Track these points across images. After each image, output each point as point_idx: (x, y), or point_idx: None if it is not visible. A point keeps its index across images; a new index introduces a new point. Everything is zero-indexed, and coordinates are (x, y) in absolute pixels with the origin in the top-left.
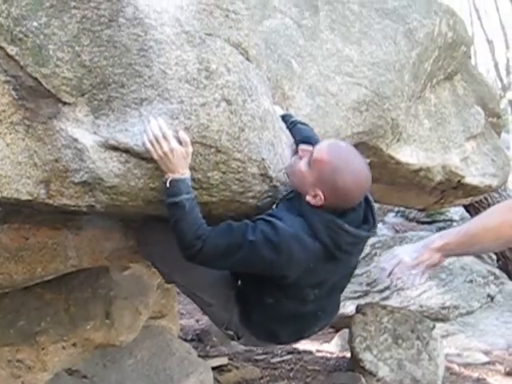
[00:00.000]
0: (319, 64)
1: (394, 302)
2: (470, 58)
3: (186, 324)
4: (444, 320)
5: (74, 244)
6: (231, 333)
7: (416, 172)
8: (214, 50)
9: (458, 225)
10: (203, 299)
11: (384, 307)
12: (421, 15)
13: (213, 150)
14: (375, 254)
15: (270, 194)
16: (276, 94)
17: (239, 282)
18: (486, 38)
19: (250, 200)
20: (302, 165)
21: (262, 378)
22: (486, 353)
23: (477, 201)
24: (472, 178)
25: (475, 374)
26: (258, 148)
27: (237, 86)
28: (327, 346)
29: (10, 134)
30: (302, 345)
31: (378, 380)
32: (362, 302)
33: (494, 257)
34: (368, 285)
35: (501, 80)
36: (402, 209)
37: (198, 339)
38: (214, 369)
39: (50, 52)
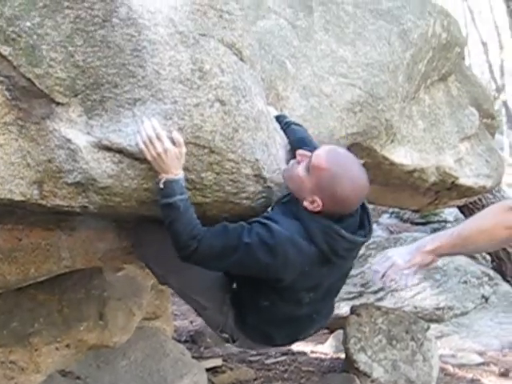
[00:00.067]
0: (313, 65)
1: (388, 303)
2: (464, 59)
3: (180, 325)
4: (438, 321)
5: (67, 245)
6: (226, 336)
7: (410, 173)
8: (208, 51)
9: (453, 226)
10: (198, 302)
11: (378, 308)
12: (415, 16)
13: (206, 150)
14: (369, 255)
15: (263, 194)
16: (270, 95)
17: (234, 285)
18: (480, 39)
19: (244, 201)
20: (300, 170)
21: (256, 379)
22: (481, 354)
23: (471, 202)
24: (466, 179)
25: (469, 375)
26: (251, 149)
27: (230, 87)
28: (321, 347)
29: (3, 134)
30: (297, 346)
31: (372, 381)
32: (356, 302)
33: (489, 258)
34: (362, 286)
35: (495, 81)
36: (396, 210)
37: (192, 340)
38: (208, 370)
39: (44, 52)
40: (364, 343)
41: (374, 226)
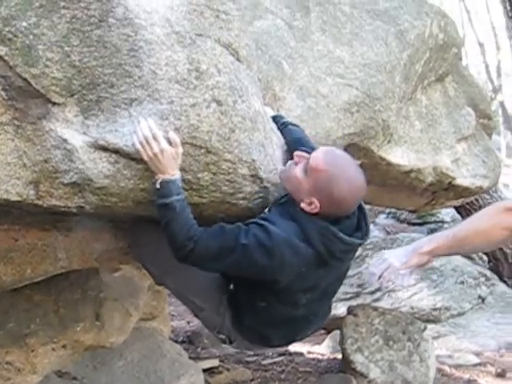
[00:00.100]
0: (310, 65)
1: (385, 303)
2: (460, 59)
3: (177, 326)
4: (435, 321)
5: (63, 245)
6: (223, 337)
7: (407, 173)
8: (205, 51)
9: (450, 226)
10: (195, 303)
11: (375, 309)
12: (412, 16)
13: (203, 150)
14: (366, 256)
15: (260, 195)
16: (267, 95)
17: (231, 286)
18: (476, 39)
19: (241, 201)
20: (298, 171)
21: (253, 379)
22: (477, 354)
23: (468, 202)
24: (463, 180)
25: (466, 376)
26: (248, 149)
27: (227, 87)
28: (318, 348)
29: (0, 134)
30: (293, 346)
31: (369, 381)
32: (353, 303)
33: (485, 258)
34: (359, 286)
35: (491, 82)
36: (393, 210)
37: (189, 341)
38: (204, 371)
39: (40, 52)
40: (361, 344)
41: (371, 227)
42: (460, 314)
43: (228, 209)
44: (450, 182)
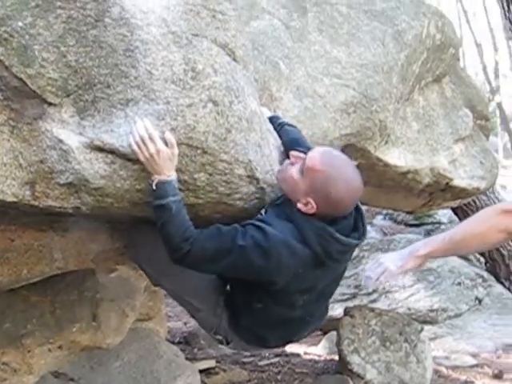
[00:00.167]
0: (307, 65)
1: (382, 304)
2: (458, 60)
3: (174, 326)
4: (432, 323)
5: (59, 246)
6: (220, 337)
7: (404, 174)
8: (201, 51)
9: (447, 227)
10: (191, 304)
11: (372, 310)
12: (409, 17)
13: (199, 151)
14: (363, 257)
15: (257, 195)
16: (263, 96)
17: (228, 287)
18: (474, 40)
19: (237, 202)
20: (294, 172)
21: (249, 380)
22: (474, 355)
23: (465, 203)
24: (460, 181)
25: (463, 377)
26: (244, 149)
27: (223, 87)
28: (315, 349)
29: None
30: (290, 347)
31: (365, 383)
32: (350, 304)
33: (482, 259)
34: (356, 287)
35: (489, 83)
36: (390, 211)
37: (186, 342)
38: (201, 372)
39: (36, 52)
40: (357, 345)
41: (368, 228)
42: (457, 316)
43: (224, 209)
44: (447, 183)
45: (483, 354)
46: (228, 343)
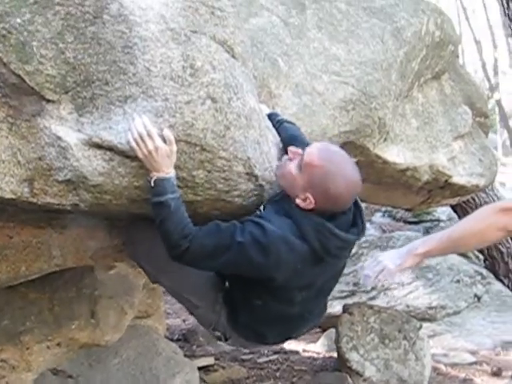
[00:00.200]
0: (306, 62)
1: (380, 301)
2: (457, 57)
3: (173, 323)
4: (431, 320)
5: (58, 243)
6: (219, 334)
7: (403, 171)
8: (200, 48)
9: (446, 225)
10: (190, 301)
11: (371, 307)
12: (408, 14)
13: (198, 148)
14: (362, 254)
15: (255, 192)
16: (262, 93)
17: (227, 284)
18: (473, 37)
19: (236, 199)
20: (293, 167)
21: (248, 377)
22: (473, 353)
23: (464, 201)
24: (459, 178)
25: (462, 374)
26: (243, 146)
27: (222, 84)
28: (314, 346)
29: None
30: (289, 345)
31: (364, 380)
32: (348, 301)
33: (481, 257)
34: (355, 285)
35: (488, 80)
36: (389, 209)
37: (185, 339)
38: (200, 369)
39: (34, 49)
40: (356, 342)
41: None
42: (456, 313)
43: (223, 206)
44: (446, 181)
45: (482, 351)
46: (226, 339)
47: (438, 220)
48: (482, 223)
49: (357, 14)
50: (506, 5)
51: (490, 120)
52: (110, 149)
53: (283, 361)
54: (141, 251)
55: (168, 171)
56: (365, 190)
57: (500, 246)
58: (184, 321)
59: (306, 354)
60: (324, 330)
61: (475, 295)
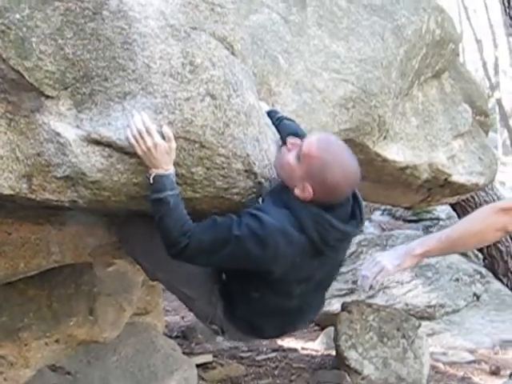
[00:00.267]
0: (306, 60)
1: (379, 300)
2: (458, 55)
3: (171, 321)
4: (430, 318)
5: (56, 239)
6: (215, 327)
7: (402, 170)
8: (199, 44)
9: (445, 223)
10: (186, 294)
11: (370, 305)
12: (409, 12)
13: (197, 145)
14: (361, 252)
15: (254, 190)
16: (262, 90)
17: (224, 276)
18: (474, 36)
19: (235, 196)
20: (291, 158)
21: (246, 375)
22: (472, 351)
23: (463, 199)
24: (459, 177)
25: (460, 373)
26: (242, 144)
27: (222, 81)
28: (312, 344)
29: None
30: (287, 342)
31: (363, 378)
32: (347, 299)
33: (481, 256)
34: (354, 283)
35: (489, 79)
36: (388, 207)
37: (183, 336)
38: (198, 366)
39: (33, 45)
40: (355, 340)
41: (366, 223)
42: (455, 312)
43: (222, 204)
44: (445, 179)
45: (480, 350)
46: (223, 333)
47: (438, 218)
48: (481, 223)
49: (357, 12)
50: (506, 4)
51: (490, 119)
52: (109, 145)
53: (282, 358)
54: (138, 248)
55: (167, 168)
56: (364, 188)
57: (499, 245)
58: (183, 318)
59: (305, 352)
60: (323, 328)
61: (474, 294)
